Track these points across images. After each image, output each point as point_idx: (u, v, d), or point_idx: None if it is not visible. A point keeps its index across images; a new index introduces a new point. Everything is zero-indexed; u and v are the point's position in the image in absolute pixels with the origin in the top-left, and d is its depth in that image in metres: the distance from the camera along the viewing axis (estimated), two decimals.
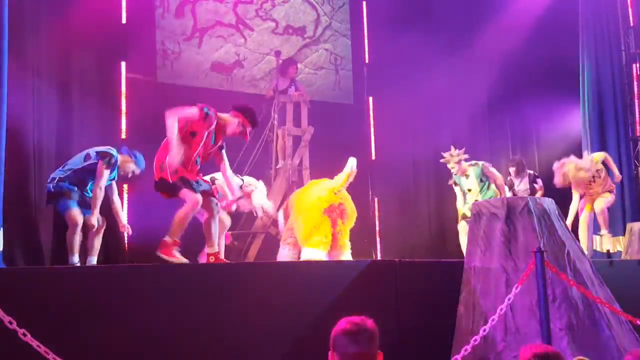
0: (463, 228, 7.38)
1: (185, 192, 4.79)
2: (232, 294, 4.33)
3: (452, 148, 7.39)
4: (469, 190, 7.41)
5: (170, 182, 4.78)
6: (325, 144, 8.28)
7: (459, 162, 7.31)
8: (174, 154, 4.70)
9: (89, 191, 5.73)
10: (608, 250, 7.50)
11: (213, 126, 4.93)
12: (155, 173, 4.89)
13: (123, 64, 7.55)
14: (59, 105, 6.93)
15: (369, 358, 2.25)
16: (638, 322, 4.32)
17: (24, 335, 3.19)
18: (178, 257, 4.74)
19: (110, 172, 5.68)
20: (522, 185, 7.73)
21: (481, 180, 7.39)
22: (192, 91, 7.93)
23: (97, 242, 5.77)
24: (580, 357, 4.12)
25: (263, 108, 8.36)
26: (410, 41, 9.00)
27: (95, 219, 5.60)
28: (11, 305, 3.30)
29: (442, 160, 7.45)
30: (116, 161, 5.69)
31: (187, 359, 4.10)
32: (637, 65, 9.19)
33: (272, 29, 9.08)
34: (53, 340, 3.31)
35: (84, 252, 5.78)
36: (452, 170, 7.40)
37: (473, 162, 7.49)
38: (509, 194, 7.57)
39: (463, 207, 7.45)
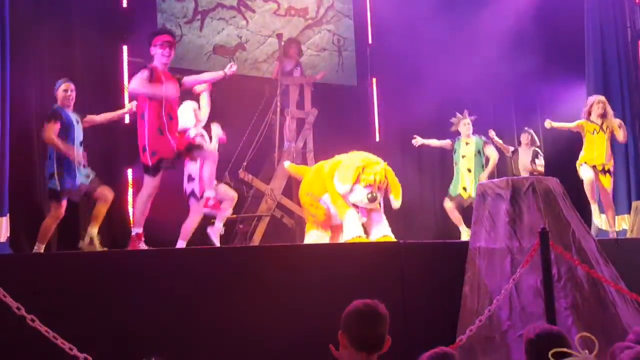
0: (449, 208, 7.67)
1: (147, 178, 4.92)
2: (234, 277, 4.35)
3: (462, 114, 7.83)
4: (469, 170, 7.58)
5: (150, 165, 4.83)
6: (329, 126, 8.26)
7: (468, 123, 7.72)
8: (151, 89, 4.93)
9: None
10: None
11: (163, 79, 5.07)
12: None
13: (125, 48, 7.51)
14: None
15: (378, 341, 2.26)
16: None
17: (32, 320, 3.22)
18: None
19: (57, 121, 5.42)
20: (525, 157, 7.87)
21: (478, 152, 7.63)
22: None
23: (104, 211, 5.50)
24: (584, 334, 4.13)
25: (266, 90, 8.33)
26: (414, 21, 8.92)
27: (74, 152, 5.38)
28: (19, 291, 3.33)
29: (452, 120, 7.87)
30: (57, 110, 5.55)
31: (193, 343, 4.13)
32: None
33: (273, 11, 9.00)
34: (61, 326, 3.34)
35: (87, 222, 5.67)
36: (463, 132, 7.72)
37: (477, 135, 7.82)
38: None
39: (456, 187, 7.65)
